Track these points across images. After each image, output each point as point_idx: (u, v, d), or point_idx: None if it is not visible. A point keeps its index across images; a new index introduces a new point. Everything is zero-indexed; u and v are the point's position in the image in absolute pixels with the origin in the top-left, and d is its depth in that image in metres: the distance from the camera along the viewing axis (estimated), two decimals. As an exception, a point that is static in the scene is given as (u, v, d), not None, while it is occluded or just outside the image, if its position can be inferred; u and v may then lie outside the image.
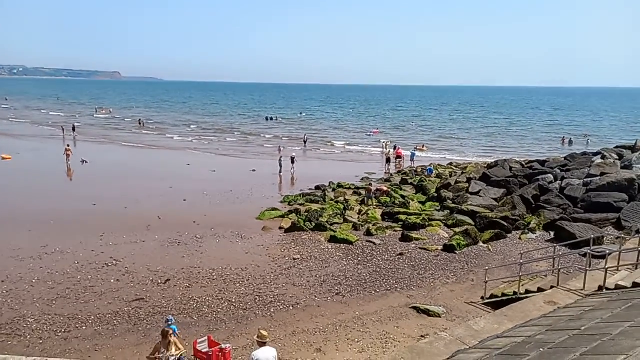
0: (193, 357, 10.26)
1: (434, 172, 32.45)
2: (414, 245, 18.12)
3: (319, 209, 22.32)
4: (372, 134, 62.13)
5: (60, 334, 11.42)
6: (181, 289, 14.07)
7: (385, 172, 34.88)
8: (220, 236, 18.97)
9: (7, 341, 11.04)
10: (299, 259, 16.63)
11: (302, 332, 11.54)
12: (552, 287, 11.18)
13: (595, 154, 29.34)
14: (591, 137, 58.35)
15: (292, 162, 33.87)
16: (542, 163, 29.77)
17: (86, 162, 35.13)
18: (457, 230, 19.39)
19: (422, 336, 11.00)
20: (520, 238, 19.06)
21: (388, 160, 37.77)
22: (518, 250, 17.17)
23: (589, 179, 23.54)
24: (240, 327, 11.89)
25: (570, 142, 54.32)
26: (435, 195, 25.53)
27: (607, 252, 12.11)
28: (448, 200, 23.66)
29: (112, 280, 14.51)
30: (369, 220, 21.20)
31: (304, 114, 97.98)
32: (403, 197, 25.47)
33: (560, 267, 12.38)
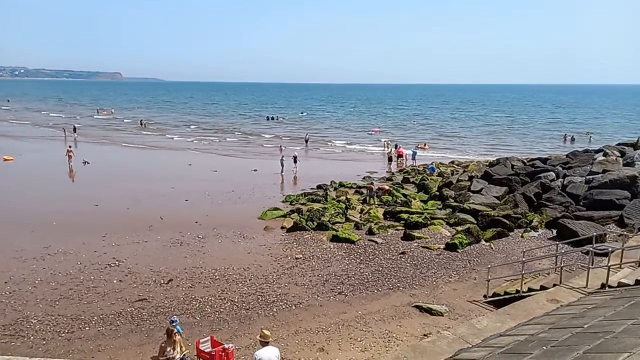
0: (196, 357, 10.29)
1: (436, 170, 32.42)
2: (416, 244, 18.11)
3: (320, 208, 22.32)
4: (373, 133, 62.09)
5: (63, 334, 11.46)
6: (184, 289, 14.10)
7: (387, 171, 34.87)
8: (223, 236, 18.99)
9: (11, 342, 11.07)
10: (301, 258, 16.65)
11: (304, 331, 11.55)
12: (554, 285, 11.16)
13: (597, 152, 29.29)
14: (593, 134, 58.21)
15: (295, 161, 33.88)
16: (544, 161, 29.73)
17: (88, 163, 35.19)
18: (459, 228, 19.38)
19: (424, 335, 11.00)
20: (522, 236, 19.03)
21: (390, 159, 37.74)
22: (520, 249, 17.14)
23: (591, 177, 23.50)
24: (243, 327, 11.91)
25: (572, 140, 54.23)
26: (437, 193, 25.50)
27: (610, 249, 12.06)
28: (450, 199, 23.64)
29: (115, 281, 14.54)
30: (370, 219, 21.20)
31: (305, 113, 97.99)
32: (405, 195, 25.45)
33: (562, 265, 12.36)
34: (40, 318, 12.17)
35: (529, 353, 6.00)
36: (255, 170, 33.82)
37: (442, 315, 12.30)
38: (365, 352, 10.52)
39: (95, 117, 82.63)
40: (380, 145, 49.05)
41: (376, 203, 24.08)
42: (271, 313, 12.67)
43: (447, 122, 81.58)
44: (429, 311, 12.47)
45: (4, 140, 47.78)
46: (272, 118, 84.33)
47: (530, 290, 11.98)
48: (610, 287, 9.76)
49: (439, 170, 32.50)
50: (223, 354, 9.73)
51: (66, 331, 11.59)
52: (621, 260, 11.22)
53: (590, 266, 10.81)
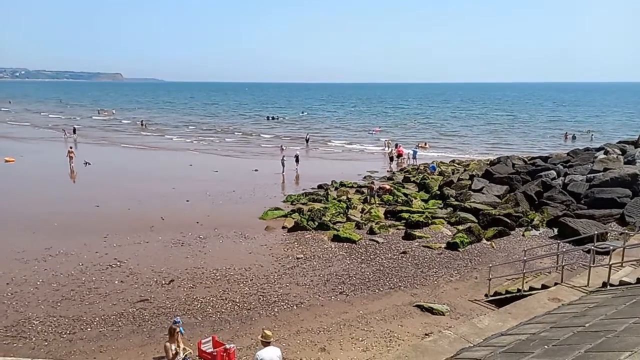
0: (197, 358, 10.30)
1: (437, 169, 32.41)
2: (417, 244, 18.11)
3: (321, 208, 22.33)
4: (374, 132, 62.07)
5: (65, 335, 11.47)
6: (185, 289, 14.11)
7: (388, 171, 34.87)
8: (224, 236, 19.00)
9: (13, 343, 11.09)
10: (302, 258, 16.65)
11: (306, 331, 11.56)
12: (555, 283, 11.15)
13: (598, 150, 29.25)
14: (595, 132, 58.13)
15: (297, 160, 33.91)
16: (545, 159, 29.69)
17: (89, 164, 35.22)
18: (460, 227, 19.37)
19: (426, 334, 11.00)
20: (523, 235, 19.02)
21: (391, 159, 37.72)
22: (521, 247, 17.13)
23: (592, 175, 23.47)
24: (244, 327, 11.92)
25: (574, 138, 54.17)
26: (438, 192, 25.49)
27: (611, 248, 12.04)
28: (451, 198, 23.63)
29: (117, 282, 14.56)
30: (371, 219, 21.20)
31: (306, 113, 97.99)
32: (406, 195, 25.45)
33: (563, 263, 12.36)
34: (42, 319, 12.19)
35: (530, 352, 6.00)
36: (256, 170, 33.83)
37: (444, 315, 12.30)
38: (366, 351, 10.52)
39: (94, 118, 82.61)
40: (381, 144, 49.06)
41: (377, 202, 24.08)
42: (272, 313, 12.67)
43: (448, 121, 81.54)
44: (431, 310, 12.47)
45: (4, 142, 47.83)
46: (273, 118, 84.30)
47: (531, 289, 11.97)
48: (611, 285, 9.75)
49: (439, 169, 32.49)
50: (225, 354, 9.74)
51: (68, 332, 11.61)
52: (622, 259, 11.19)
53: (592, 265, 10.79)
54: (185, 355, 9.53)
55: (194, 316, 12.53)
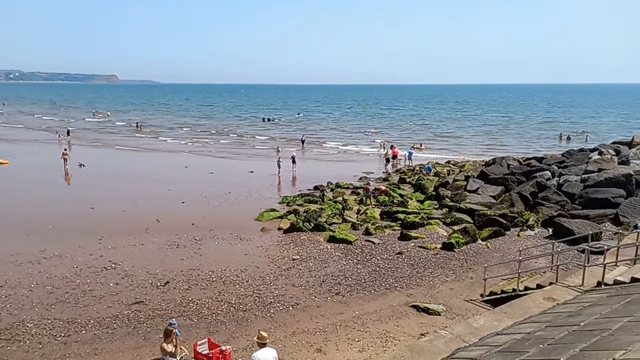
0: (193, 359, 10.25)
1: (432, 170, 32.49)
2: (412, 244, 18.13)
3: (317, 209, 22.32)
4: (370, 133, 62.16)
5: (59, 338, 11.40)
6: (181, 291, 14.06)
7: (384, 172, 34.92)
8: (219, 238, 18.95)
9: (7, 346, 11.00)
10: (298, 259, 16.63)
11: (302, 332, 11.54)
12: (550, 283, 11.20)
13: (593, 150, 29.44)
14: (589, 133, 58.45)
15: (293, 161, 33.92)
16: (540, 160, 29.86)
17: (84, 165, 35.06)
18: (456, 228, 19.41)
19: (422, 334, 11.01)
20: (518, 235, 19.09)
21: (388, 160, 37.77)
22: (516, 247, 17.19)
23: (587, 175, 23.61)
24: (240, 329, 11.89)
25: (568, 139, 54.46)
26: (434, 193, 25.55)
27: (605, 247, 12.11)
28: (446, 199, 23.69)
29: (111, 284, 14.48)
30: (367, 220, 21.21)
31: (302, 114, 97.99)
32: (401, 196, 25.49)
33: (558, 263, 12.41)
34: (37, 322, 12.10)
35: (525, 351, 6.01)
36: (251, 171, 33.79)
37: (439, 315, 12.32)
38: (362, 352, 10.52)
39: (87, 120, 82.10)
40: (376, 146, 49.11)
41: (373, 203, 24.10)
42: (268, 314, 12.65)
43: (443, 122, 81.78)
44: (426, 311, 12.49)
45: (-2, 144, 47.55)
46: (269, 119, 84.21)
47: (526, 288, 12.02)
48: (606, 285, 9.80)
49: (435, 170, 32.57)
50: (220, 356, 9.71)
51: (62, 335, 11.53)
52: (617, 258, 11.26)
53: (586, 264, 10.85)
54: (181, 357, 9.50)
55: (189, 318, 12.48)
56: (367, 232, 19.42)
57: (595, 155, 27.12)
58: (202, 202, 24.69)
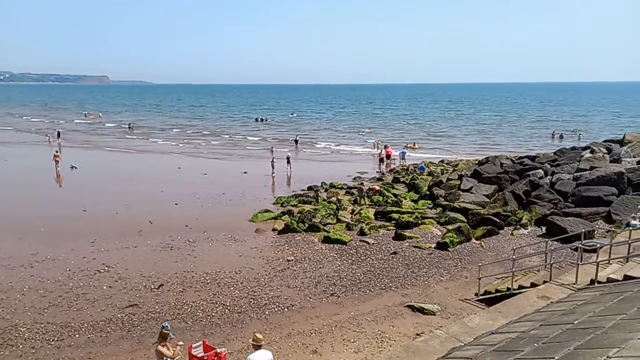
0: (188, 362, 10.20)
1: (426, 169, 32.56)
2: (407, 244, 18.17)
3: (311, 210, 22.31)
4: (364, 133, 62.23)
5: (53, 342, 11.30)
6: (175, 293, 13.99)
7: (378, 172, 34.96)
8: (213, 239, 18.88)
9: (0, 351, 10.91)
10: (292, 260, 16.61)
11: (297, 333, 11.52)
12: (544, 281, 11.26)
13: (585, 149, 29.66)
14: (581, 131, 58.87)
15: (288, 162, 33.88)
16: (533, 158, 30.02)
17: (75, 167, 34.80)
18: (450, 227, 19.47)
19: (417, 334, 11.03)
20: (512, 234, 19.19)
21: (382, 160, 37.81)
22: (510, 246, 17.28)
23: (579, 174, 23.77)
24: (235, 331, 11.85)
25: (561, 137, 54.81)
26: (428, 193, 25.62)
27: (598, 245, 12.21)
28: (440, 198, 23.75)
29: (105, 287, 14.38)
30: (362, 220, 21.23)
31: (296, 114, 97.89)
32: (395, 195, 25.53)
33: (552, 261, 12.47)
34: (29, 326, 12.00)
35: (520, 350, 6.04)
36: (245, 172, 33.70)
37: (435, 315, 12.35)
38: (358, 353, 10.52)
39: (76, 121, 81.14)
40: (369, 145, 49.16)
41: (367, 203, 24.12)
42: (263, 316, 12.62)
43: (437, 121, 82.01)
44: (421, 311, 12.51)
45: (-12, 146, 47.08)
46: (262, 120, 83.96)
47: (520, 287, 12.08)
48: (599, 283, 9.86)
49: (429, 170, 32.65)
50: (216, 358, 9.66)
51: (56, 339, 11.44)
52: (609, 256, 11.33)
53: (580, 262, 10.92)
54: (176, 360, 9.44)
55: (184, 320, 12.42)
56: (362, 232, 19.43)
57: (587, 154, 27.32)
58: (196, 204, 24.59)
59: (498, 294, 12.46)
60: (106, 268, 15.82)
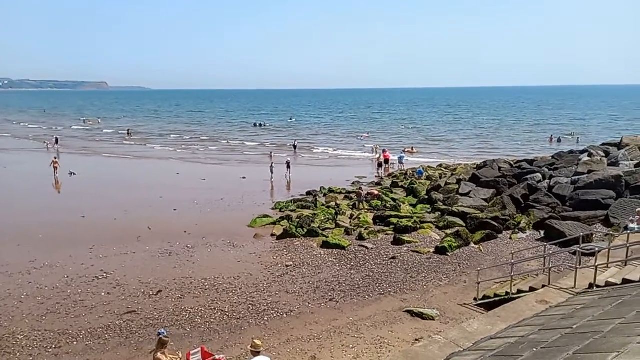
0: (187, 369, 10.16)
1: (424, 174, 32.59)
2: (406, 249, 18.15)
3: (310, 215, 22.28)
4: (362, 138, 62.30)
5: (50, 350, 11.25)
6: (173, 300, 13.94)
7: (376, 176, 34.98)
8: (212, 245, 18.85)
9: (-4, 359, 10.85)
10: (291, 265, 16.58)
11: (296, 339, 11.48)
12: (543, 286, 11.26)
13: (582, 152, 29.70)
14: (579, 135, 59.02)
15: (288, 167, 33.88)
16: (531, 162, 30.07)
17: (74, 174, 34.77)
18: (448, 232, 19.47)
19: (416, 340, 11.00)
20: (510, 238, 19.18)
21: (380, 165, 37.84)
22: (509, 250, 17.26)
23: (577, 177, 23.81)
24: (234, 337, 11.80)
25: (559, 141, 54.93)
26: (426, 197, 25.62)
27: (597, 249, 12.22)
28: (439, 202, 23.75)
29: (103, 294, 14.34)
30: (360, 225, 21.21)
31: (294, 119, 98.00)
32: (394, 200, 25.52)
33: (550, 265, 12.48)
34: (27, 334, 11.94)
35: (519, 355, 6.03)
36: (244, 177, 33.69)
37: (434, 320, 12.32)
38: (357, 359, 10.49)
39: (74, 127, 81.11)
40: (368, 150, 49.20)
41: (366, 208, 24.11)
42: (262, 322, 12.58)
43: (435, 125, 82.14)
44: (420, 316, 12.48)
45: (-13, 153, 47.03)
46: (260, 125, 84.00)
47: (519, 292, 12.07)
48: (598, 286, 9.86)
49: (427, 174, 32.68)
50: (214, 365, 9.63)
51: (53, 346, 11.38)
52: (608, 260, 11.35)
53: (578, 266, 10.93)
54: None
55: (182, 327, 12.37)
56: (361, 237, 19.41)
57: (585, 157, 27.37)
58: (194, 209, 24.57)
59: (497, 299, 12.44)
60: (104, 274, 15.78)
